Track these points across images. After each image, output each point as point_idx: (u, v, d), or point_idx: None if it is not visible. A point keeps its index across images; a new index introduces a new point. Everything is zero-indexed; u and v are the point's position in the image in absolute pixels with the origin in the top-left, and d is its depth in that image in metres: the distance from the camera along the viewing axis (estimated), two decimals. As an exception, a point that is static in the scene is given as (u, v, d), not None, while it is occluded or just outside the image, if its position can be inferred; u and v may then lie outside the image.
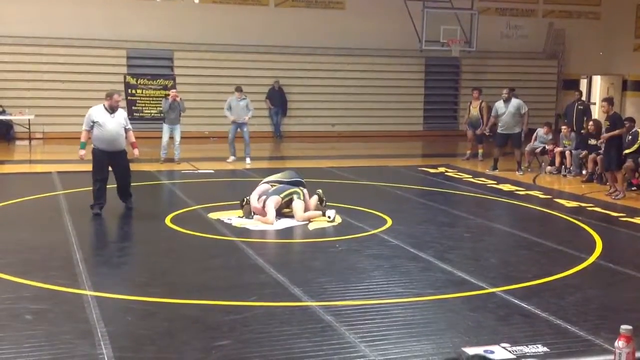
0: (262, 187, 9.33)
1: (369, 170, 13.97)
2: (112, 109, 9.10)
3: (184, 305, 5.71)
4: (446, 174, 13.67)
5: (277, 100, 20.35)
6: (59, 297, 5.85)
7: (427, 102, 22.43)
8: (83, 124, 9.18)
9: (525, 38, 23.21)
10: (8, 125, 18.26)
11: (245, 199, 9.18)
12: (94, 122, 9.05)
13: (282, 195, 9.07)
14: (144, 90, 19.35)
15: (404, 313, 5.65)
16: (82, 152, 9.34)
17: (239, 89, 14.72)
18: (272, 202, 8.91)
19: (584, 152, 13.27)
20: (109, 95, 9.15)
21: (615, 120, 11.78)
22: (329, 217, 9.03)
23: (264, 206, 8.91)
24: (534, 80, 22.63)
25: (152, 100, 19.34)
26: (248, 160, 14.40)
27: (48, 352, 4.72)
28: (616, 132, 11.62)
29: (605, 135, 11.82)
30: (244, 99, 14.59)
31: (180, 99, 14.49)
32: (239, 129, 14.63)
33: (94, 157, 9.16)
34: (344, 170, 13.83)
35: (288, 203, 9.14)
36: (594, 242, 8.19)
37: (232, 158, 14.63)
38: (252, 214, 9.01)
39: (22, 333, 5.04)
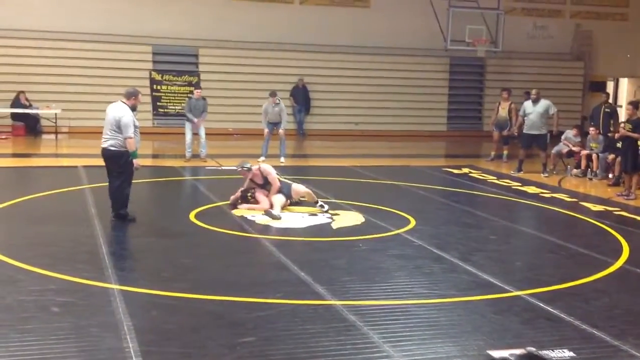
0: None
1: (392, 170, 13.94)
2: (134, 109, 8.54)
3: (208, 301, 5.74)
4: (470, 175, 13.60)
5: (301, 98, 20.37)
6: (85, 290, 5.90)
7: (451, 102, 22.32)
8: (129, 132, 8.25)
9: (551, 39, 23.00)
10: (35, 119, 18.48)
11: (250, 192, 9.55)
12: (135, 127, 8.40)
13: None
14: (168, 87, 19.49)
15: (428, 314, 5.63)
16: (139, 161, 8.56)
17: (273, 94, 14.39)
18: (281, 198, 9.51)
19: (612, 156, 13.12)
20: (134, 95, 8.53)
21: (637, 125, 11.74)
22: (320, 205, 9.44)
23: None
24: (560, 81, 22.42)
25: (177, 97, 19.47)
26: (282, 159, 14.29)
27: (74, 344, 4.76)
28: (636, 135, 11.59)
29: (622, 132, 11.79)
30: (277, 104, 14.38)
31: (205, 99, 14.43)
32: (275, 128, 14.55)
33: (129, 162, 8.48)
34: (367, 169, 13.80)
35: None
36: (621, 247, 8.09)
37: (262, 158, 14.40)
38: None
39: (49, 325, 5.09)
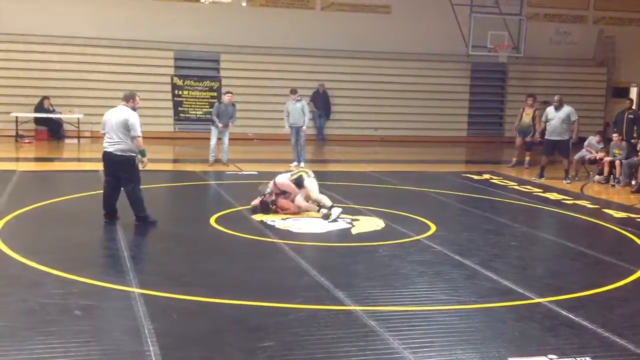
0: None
1: (412, 176, 13.90)
2: (134, 111, 8.60)
3: (228, 305, 5.75)
4: (491, 181, 13.52)
5: (321, 103, 20.40)
6: (106, 294, 5.96)
7: (472, 108, 22.23)
8: (138, 131, 8.42)
9: (574, 44, 22.84)
10: (58, 123, 18.69)
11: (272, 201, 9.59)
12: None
13: (291, 178, 9.67)
14: (190, 92, 19.64)
15: (448, 321, 5.60)
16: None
17: (293, 91, 14.69)
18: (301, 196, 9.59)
19: None
20: (132, 97, 8.59)
21: None
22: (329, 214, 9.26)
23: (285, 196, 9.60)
24: (583, 87, 22.24)
25: (198, 102, 19.62)
26: (302, 164, 14.39)
27: (96, 347, 4.80)
28: None
29: None
30: (299, 100, 14.56)
31: (234, 105, 14.47)
32: (298, 133, 14.59)
33: (136, 166, 8.65)
34: (387, 174, 13.78)
35: (299, 182, 9.60)
36: (644, 254, 8.01)
37: (295, 163, 14.43)
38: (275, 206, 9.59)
39: (71, 328, 5.14)
